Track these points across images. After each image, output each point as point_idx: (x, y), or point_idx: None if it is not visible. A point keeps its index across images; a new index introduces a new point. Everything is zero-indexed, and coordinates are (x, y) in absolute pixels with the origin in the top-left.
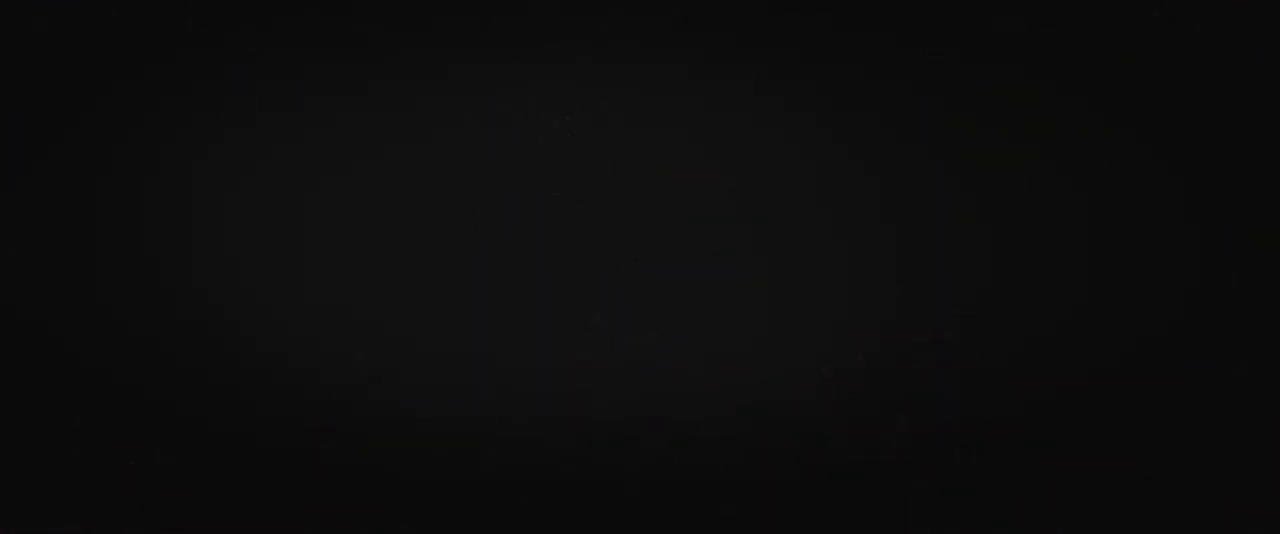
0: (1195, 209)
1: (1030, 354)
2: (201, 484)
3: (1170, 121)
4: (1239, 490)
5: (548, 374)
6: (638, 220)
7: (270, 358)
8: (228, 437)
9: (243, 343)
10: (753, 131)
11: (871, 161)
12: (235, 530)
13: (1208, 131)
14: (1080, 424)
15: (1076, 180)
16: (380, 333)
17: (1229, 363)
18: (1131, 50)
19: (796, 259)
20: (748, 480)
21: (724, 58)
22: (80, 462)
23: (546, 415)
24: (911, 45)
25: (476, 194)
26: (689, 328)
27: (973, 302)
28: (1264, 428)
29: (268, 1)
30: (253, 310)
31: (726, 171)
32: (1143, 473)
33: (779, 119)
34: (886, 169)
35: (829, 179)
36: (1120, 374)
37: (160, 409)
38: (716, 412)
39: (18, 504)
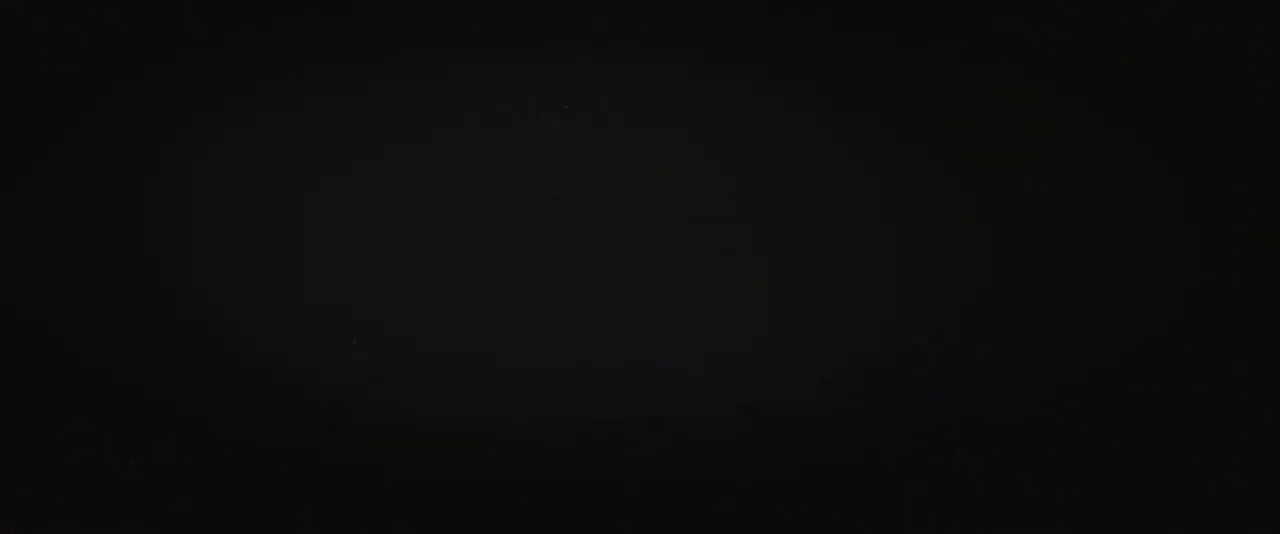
0: (1195, 209)
1: (1030, 354)
2: (201, 484)
3: (1170, 121)
4: (1239, 490)
5: (548, 374)
6: (638, 220)
7: (270, 358)
8: (228, 437)
9: (243, 343)
10: (753, 131)
11: (871, 161)
12: (235, 530)
13: (1208, 131)
14: (1080, 424)
15: (1076, 180)
16: (380, 333)
17: (1229, 363)
18: (1131, 50)
19: (796, 259)
20: (748, 480)
21: (724, 58)
22: (80, 462)
23: (546, 415)
24: (911, 45)
25: (476, 194)
26: (689, 328)
27: (973, 302)
28: (1264, 428)
29: (268, 1)
30: (253, 310)
31: (726, 171)
32: (1143, 473)
33: (779, 119)
34: (886, 169)
35: (829, 179)
36: (1120, 374)
37: (160, 409)
38: (716, 412)
39: (18, 504)
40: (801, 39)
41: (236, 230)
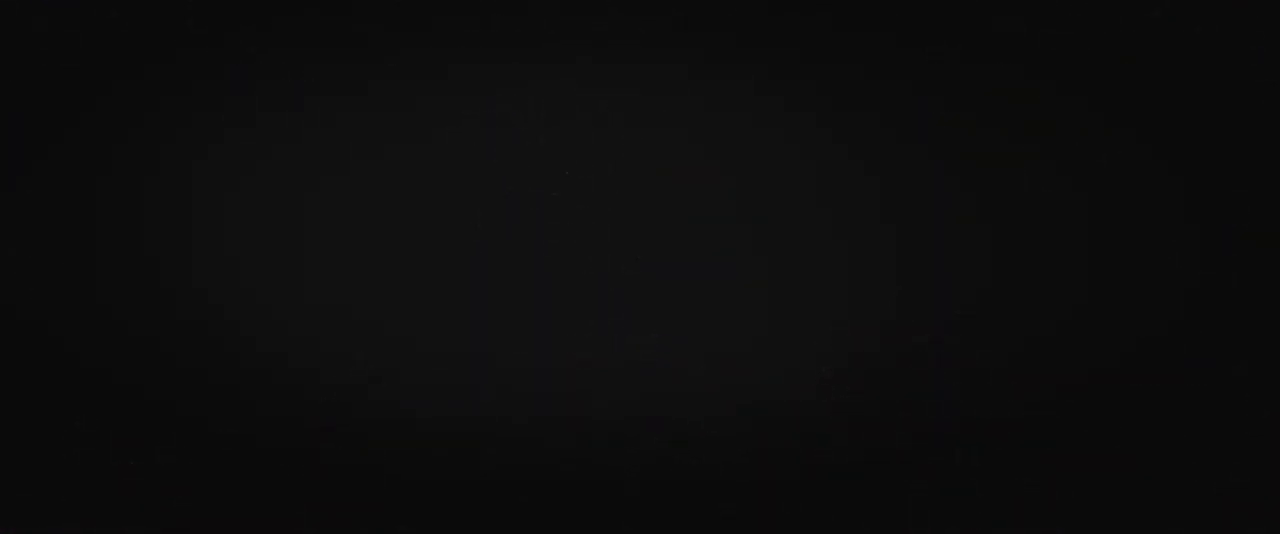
0: (1195, 209)
1: (1030, 354)
2: (201, 484)
3: (1170, 121)
4: (1239, 490)
5: (548, 374)
6: (638, 220)
7: (270, 358)
8: (228, 437)
9: (243, 343)
10: (753, 131)
11: (871, 161)
12: (235, 530)
13: (1208, 131)
14: (1080, 424)
15: (1076, 180)
16: (380, 333)
17: (1229, 363)
18: (1131, 50)
19: (796, 259)
20: (748, 480)
21: (724, 58)
22: (80, 462)
23: (546, 415)
24: (911, 45)
25: (476, 194)
26: (689, 328)
27: (973, 302)
28: (1264, 428)
29: (268, 1)
30: (253, 310)
31: (726, 171)
32: (1143, 473)
33: (779, 119)
34: (886, 169)
35: (829, 179)
36: (1120, 374)
37: (160, 409)
38: (716, 412)
39: (18, 504)
40: (801, 39)
41: (236, 230)
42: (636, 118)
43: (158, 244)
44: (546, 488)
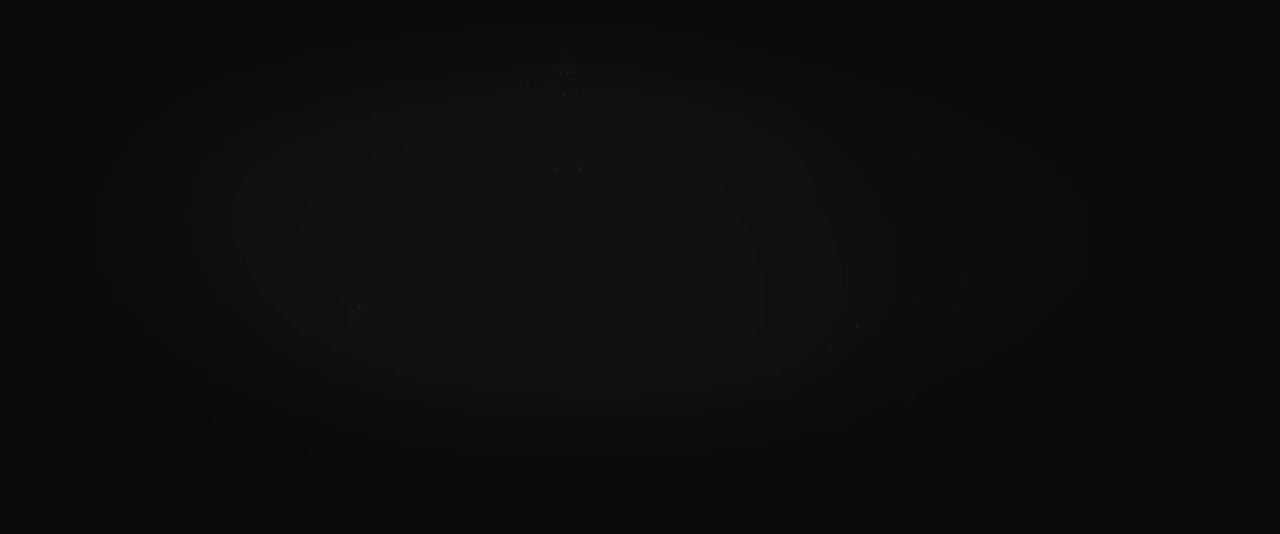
0: (1195, 209)
1: (1028, 354)
2: (201, 484)
3: (1170, 122)
4: (1239, 490)
5: (548, 374)
6: (638, 220)
7: (271, 358)
8: (228, 436)
9: (244, 343)
10: (753, 132)
11: (871, 161)
12: (235, 530)
13: (1207, 132)
14: (1078, 424)
15: (1076, 180)
16: (381, 333)
17: (1228, 363)
18: (1131, 50)
19: (795, 259)
20: (746, 480)
21: (724, 58)
22: (80, 462)
23: (546, 415)
24: (911, 45)
25: (477, 194)
26: (689, 328)
27: (971, 299)
28: (1264, 428)
29: (268, 1)
30: (254, 310)
31: (726, 172)
32: (1142, 473)
33: (779, 119)
34: (886, 169)
35: (829, 179)
36: (1118, 373)
37: (160, 409)
38: (716, 411)
39: (18, 504)
40: (802, 39)
41: (239, 231)
42: (636, 118)
43: (160, 244)
44: (546, 488)
